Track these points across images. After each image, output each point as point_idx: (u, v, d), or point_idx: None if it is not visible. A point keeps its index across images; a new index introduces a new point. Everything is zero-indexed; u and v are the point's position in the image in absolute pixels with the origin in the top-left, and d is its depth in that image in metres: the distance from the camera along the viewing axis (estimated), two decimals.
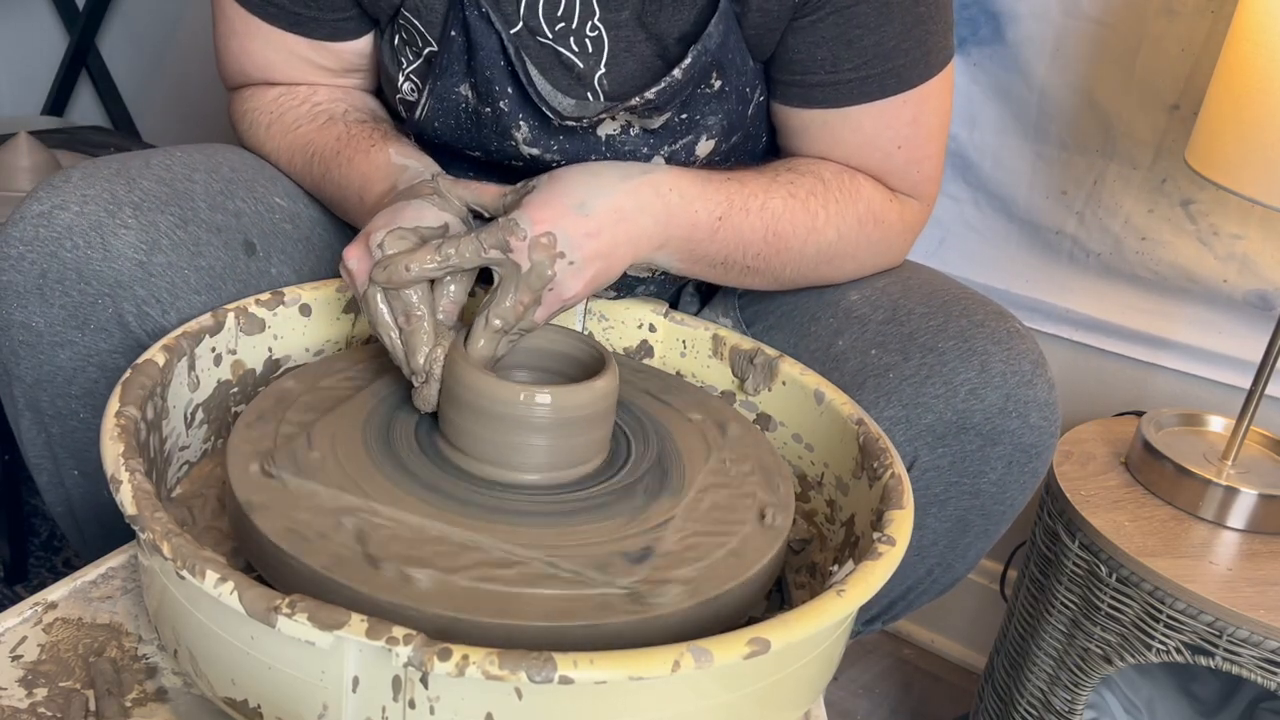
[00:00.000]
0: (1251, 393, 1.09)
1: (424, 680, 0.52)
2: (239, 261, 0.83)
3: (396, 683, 0.53)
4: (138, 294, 0.77)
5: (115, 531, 0.87)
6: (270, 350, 0.82)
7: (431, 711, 0.53)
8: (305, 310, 0.84)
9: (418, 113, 0.87)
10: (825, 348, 0.87)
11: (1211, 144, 1.02)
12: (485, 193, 0.78)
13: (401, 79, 0.88)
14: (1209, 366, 1.30)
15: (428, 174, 0.81)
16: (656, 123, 0.84)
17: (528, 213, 0.73)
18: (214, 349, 0.78)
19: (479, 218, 0.80)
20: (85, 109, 2.07)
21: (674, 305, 0.98)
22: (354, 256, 0.73)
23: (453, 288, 0.74)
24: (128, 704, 0.60)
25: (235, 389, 0.80)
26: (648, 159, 0.86)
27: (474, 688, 0.52)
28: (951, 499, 0.82)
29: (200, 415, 0.77)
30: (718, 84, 0.84)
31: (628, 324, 0.91)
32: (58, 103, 2.01)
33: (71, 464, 0.85)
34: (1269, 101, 0.95)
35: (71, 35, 1.97)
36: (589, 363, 0.75)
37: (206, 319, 0.77)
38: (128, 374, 0.69)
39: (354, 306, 0.87)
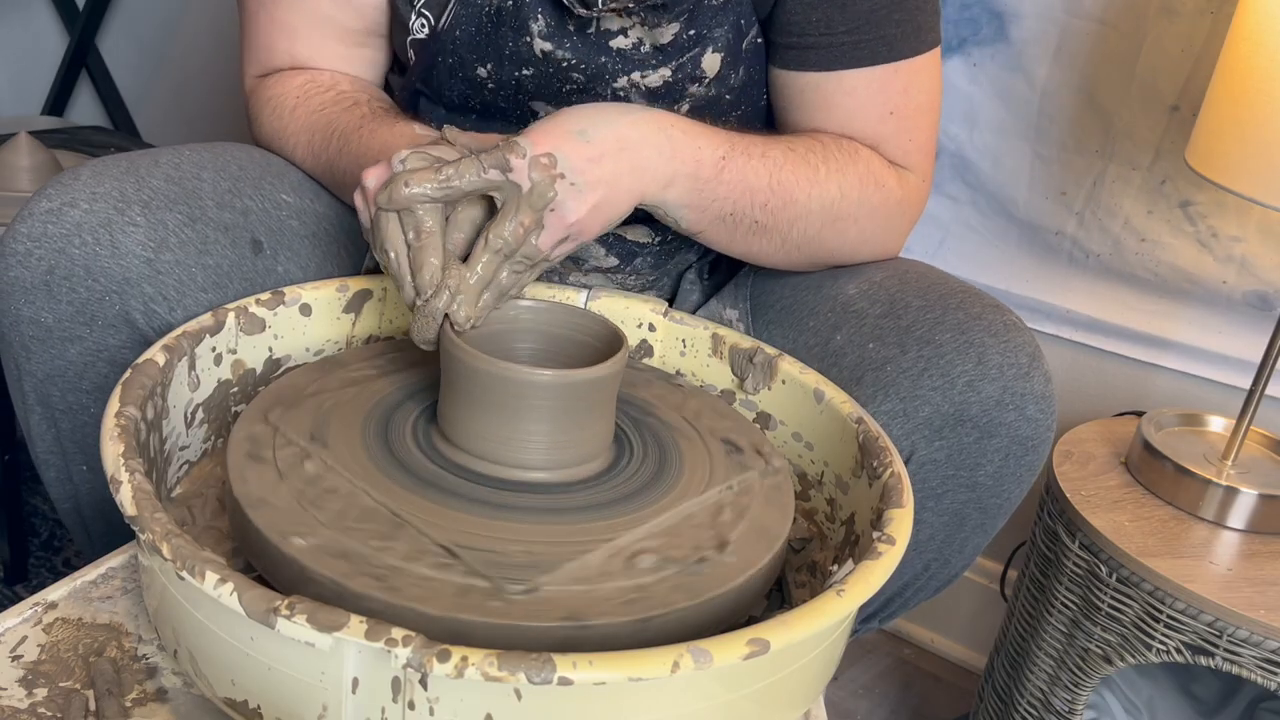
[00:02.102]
0: (1251, 393, 1.09)
1: (423, 681, 0.52)
2: (246, 260, 0.83)
3: (396, 684, 0.53)
4: (145, 291, 0.77)
5: (121, 528, 0.87)
6: (270, 350, 0.82)
7: (431, 713, 0.53)
8: (305, 310, 0.84)
9: (441, 24, 0.89)
10: (823, 342, 0.88)
11: (1212, 144, 1.02)
12: (489, 140, 0.78)
13: (414, 17, 0.90)
14: (1209, 366, 1.30)
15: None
16: (666, 36, 0.87)
17: (528, 136, 0.73)
18: (214, 349, 0.78)
19: None
20: (85, 109, 2.07)
21: (675, 292, 0.99)
22: (373, 175, 0.73)
23: (461, 218, 0.73)
24: (128, 704, 0.60)
25: (235, 389, 0.80)
26: (655, 71, 0.89)
27: (473, 689, 0.52)
28: (948, 492, 0.82)
29: (200, 415, 0.77)
30: None
31: (627, 323, 0.91)
32: (58, 103, 2.01)
33: (80, 459, 0.85)
34: (1269, 101, 0.95)
35: (71, 35, 1.97)
36: (599, 351, 0.74)
37: (207, 319, 0.77)
38: (128, 374, 0.69)
39: (354, 306, 0.87)
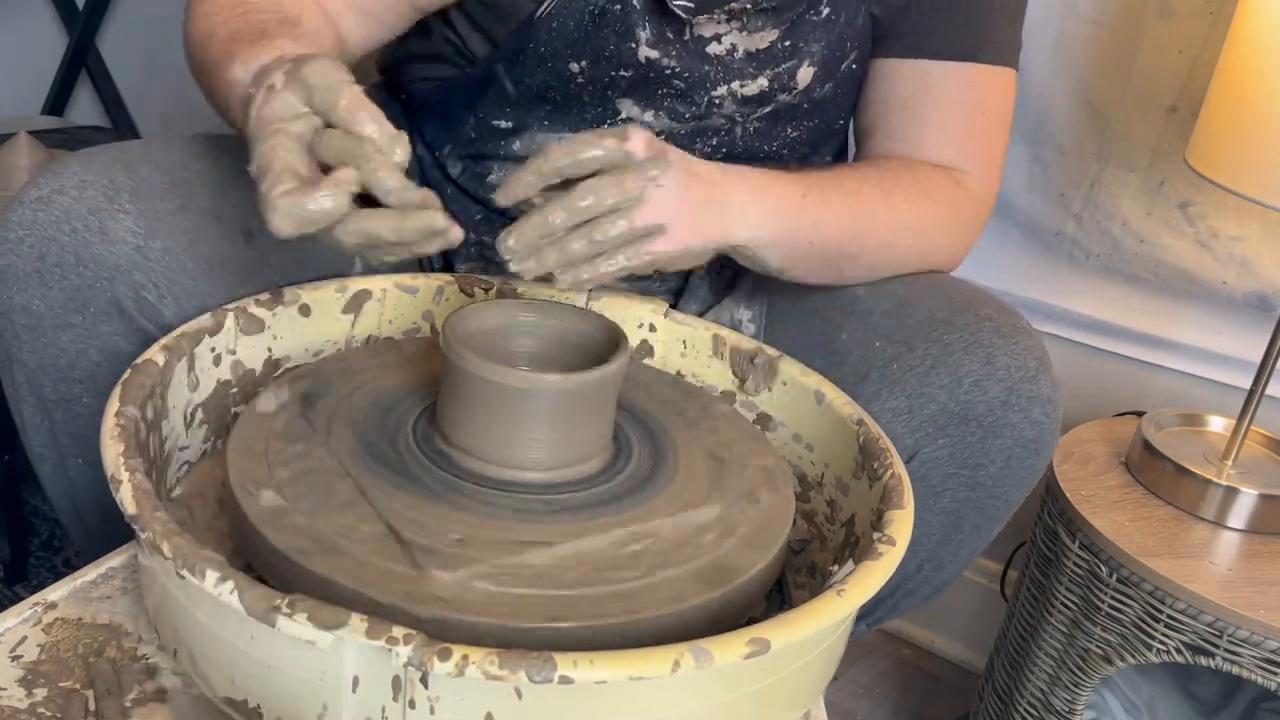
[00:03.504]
0: (1251, 393, 1.09)
1: (424, 680, 0.52)
2: (239, 249, 0.82)
3: (396, 683, 0.53)
4: (135, 279, 0.77)
5: (118, 523, 0.87)
6: (270, 350, 0.82)
7: (431, 711, 0.53)
8: (304, 310, 0.84)
9: (539, 10, 0.88)
10: (829, 340, 0.88)
11: (1212, 144, 1.02)
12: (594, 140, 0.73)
13: None
14: (1209, 366, 1.30)
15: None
16: (762, 43, 0.89)
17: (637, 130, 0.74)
18: (213, 349, 0.78)
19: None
20: (85, 109, 2.07)
21: (683, 290, 0.99)
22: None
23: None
24: (127, 704, 0.60)
25: (235, 389, 0.80)
26: (753, 80, 0.90)
27: (474, 687, 0.52)
28: (948, 490, 0.82)
29: (200, 415, 0.77)
30: (825, 11, 0.89)
31: (628, 324, 0.91)
32: (58, 103, 2.01)
33: (75, 451, 0.85)
34: (1269, 101, 0.95)
35: (71, 35, 1.97)
36: (599, 352, 0.74)
37: (206, 319, 0.77)
38: (127, 374, 0.69)
39: (353, 306, 0.87)
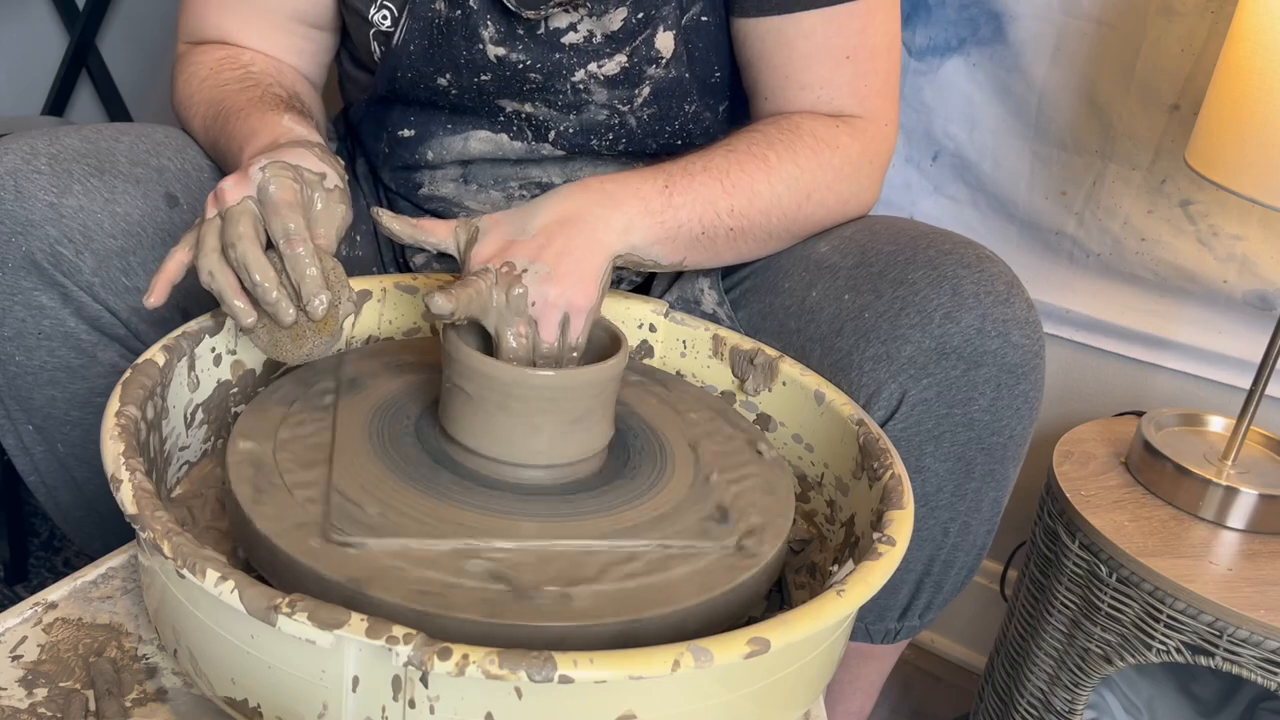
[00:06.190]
0: (1251, 393, 1.09)
1: (424, 679, 0.52)
2: (159, 211, 0.84)
3: (396, 682, 0.53)
4: (49, 234, 0.79)
5: (88, 495, 0.88)
6: None
7: (431, 711, 0.53)
8: None
9: (395, 39, 0.91)
10: (799, 302, 0.88)
11: (1211, 144, 1.02)
12: (433, 231, 0.78)
13: (374, 10, 0.91)
14: (1209, 366, 1.30)
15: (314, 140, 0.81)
16: (615, 23, 0.89)
17: (477, 259, 0.75)
18: (214, 349, 0.78)
19: (445, 257, 0.82)
20: (85, 109, 2.07)
21: (650, 280, 0.99)
22: (231, 181, 0.72)
23: (321, 210, 0.74)
24: (128, 704, 0.60)
25: (235, 389, 0.80)
26: (610, 59, 0.91)
27: (474, 687, 0.52)
28: (946, 433, 0.82)
29: (200, 415, 0.77)
30: None
31: (628, 324, 0.91)
32: (58, 103, 2.01)
33: (24, 418, 0.86)
34: (1269, 101, 0.95)
35: (71, 35, 1.97)
36: (599, 352, 0.75)
37: (206, 319, 0.77)
38: (127, 374, 0.69)
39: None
